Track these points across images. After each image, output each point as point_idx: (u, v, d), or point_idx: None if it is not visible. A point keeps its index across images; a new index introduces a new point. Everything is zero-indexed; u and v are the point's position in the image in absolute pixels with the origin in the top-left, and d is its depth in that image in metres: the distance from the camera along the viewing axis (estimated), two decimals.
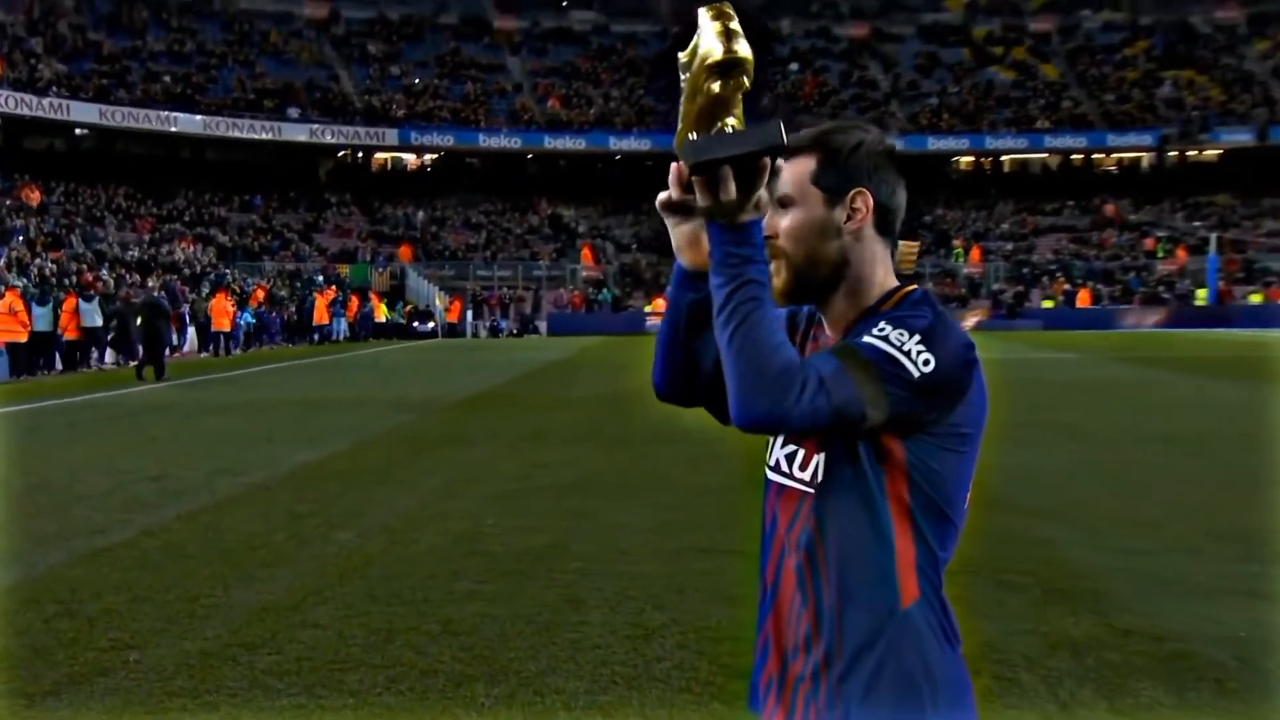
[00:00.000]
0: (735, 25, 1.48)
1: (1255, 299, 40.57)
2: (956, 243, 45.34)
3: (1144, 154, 47.15)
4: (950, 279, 43.31)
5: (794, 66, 50.16)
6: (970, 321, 38.49)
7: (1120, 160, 48.34)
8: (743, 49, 1.46)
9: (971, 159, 47.60)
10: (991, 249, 44.62)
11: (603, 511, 8.28)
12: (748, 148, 1.46)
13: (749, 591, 4.69)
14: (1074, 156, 47.94)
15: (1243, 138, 46.03)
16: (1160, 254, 43.97)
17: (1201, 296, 39.90)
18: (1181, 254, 43.54)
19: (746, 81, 1.48)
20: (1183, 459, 11.53)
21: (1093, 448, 12.25)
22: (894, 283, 1.65)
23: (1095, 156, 48.11)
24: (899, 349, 1.48)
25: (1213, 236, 41.55)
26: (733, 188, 1.48)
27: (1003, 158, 48.33)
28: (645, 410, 15.81)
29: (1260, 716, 4.18)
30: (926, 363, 1.48)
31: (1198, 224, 44.49)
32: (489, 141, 47.41)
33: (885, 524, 1.56)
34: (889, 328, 1.50)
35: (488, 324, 42.61)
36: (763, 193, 1.53)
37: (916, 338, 1.50)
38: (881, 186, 1.61)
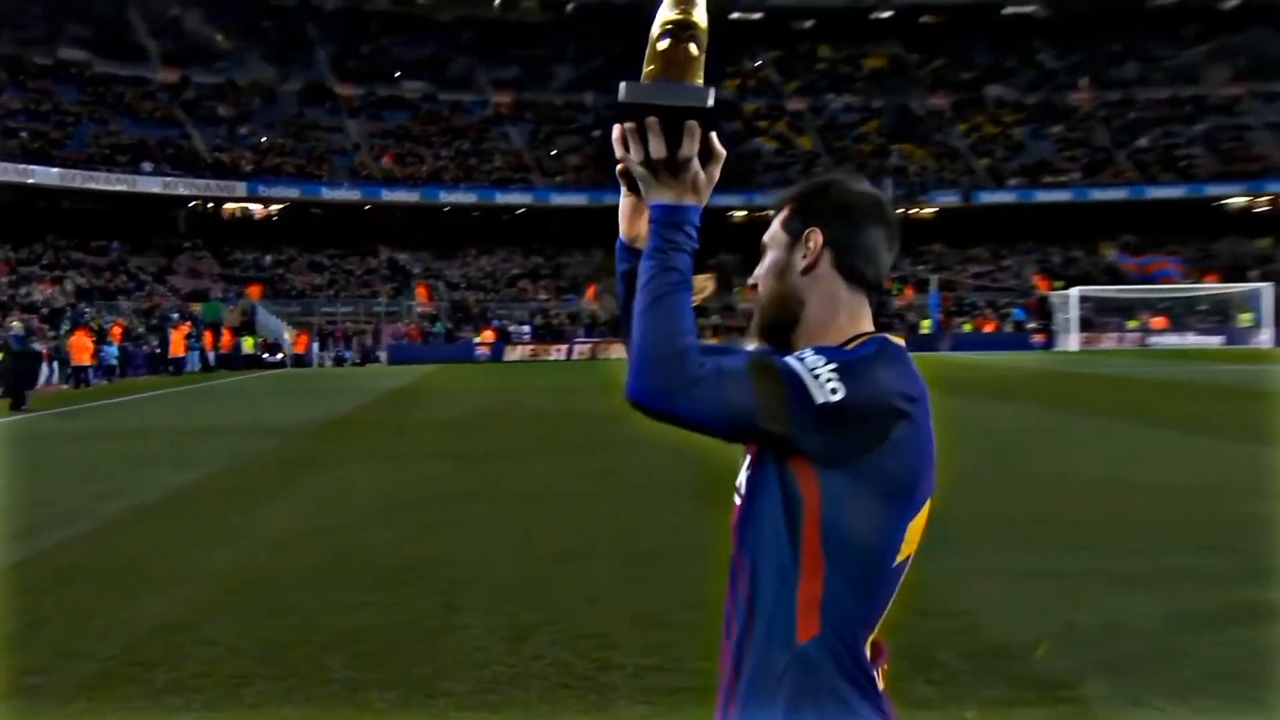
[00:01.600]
0: None
1: (967, 328, 43.79)
2: (740, 285, 47.57)
3: None
4: (730, 311, 43.53)
5: (597, 134, 50.21)
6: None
7: None
8: (695, 14, 1.38)
9: (745, 212, 48.63)
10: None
11: (467, 522, 8.02)
12: (670, 101, 1.35)
13: (612, 591, 5.83)
14: None
15: (951, 199, 49.24)
16: (894, 292, 45.78)
17: (925, 326, 42.50)
18: (909, 292, 46.28)
19: (694, 48, 1.38)
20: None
21: None
22: (862, 329, 1.48)
23: None
24: (809, 371, 1.35)
25: (934, 277, 44.15)
26: (661, 144, 1.37)
27: (769, 212, 50.84)
28: (484, 431, 15.42)
29: None
30: (834, 391, 1.33)
31: (920, 267, 46.96)
32: (331, 194, 46.24)
33: (790, 555, 1.39)
34: (811, 353, 1.38)
35: (332, 355, 41.30)
36: (700, 175, 1.41)
37: (832, 366, 1.36)
38: (840, 227, 1.47)
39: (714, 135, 1.40)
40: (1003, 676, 4.42)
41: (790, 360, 1.37)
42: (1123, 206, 46.86)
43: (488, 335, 42.16)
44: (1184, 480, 9.76)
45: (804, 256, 1.47)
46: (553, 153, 50.12)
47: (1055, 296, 42.97)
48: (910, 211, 48.76)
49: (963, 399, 17.80)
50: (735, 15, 54.40)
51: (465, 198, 47.11)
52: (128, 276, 43.00)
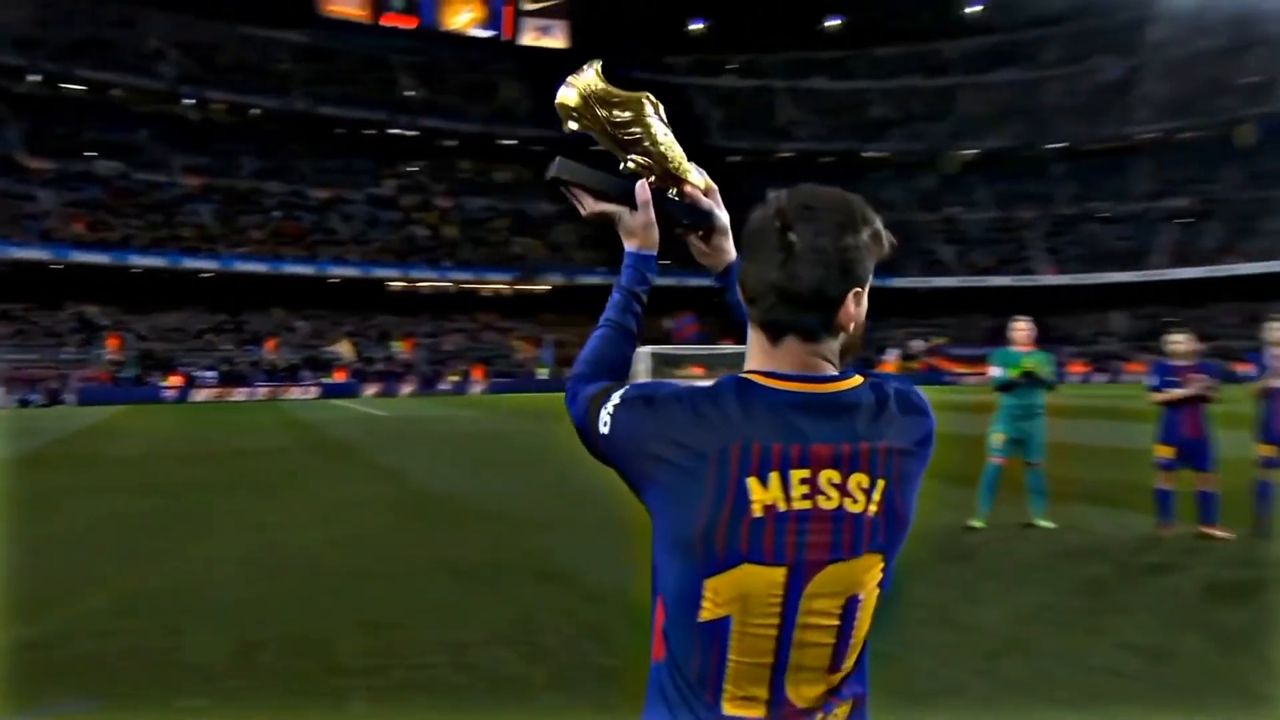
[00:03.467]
0: (572, 80, 1.37)
1: None
2: (397, 338, 49.46)
3: (505, 285, 53.71)
4: (390, 359, 47.34)
5: (277, 214, 51.55)
6: (405, 390, 44.82)
7: (495, 289, 54.28)
8: (559, 95, 1.37)
9: (402, 283, 51.21)
10: (421, 342, 48.52)
11: (182, 548, 7.42)
12: (556, 173, 1.40)
13: (336, 605, 5.49)
14: (465, 284, 53.23)
15: (558, 279, 53.46)
16: (519, 342, 50.55)
17: (543, 372, 46.29)
18: (529, 346, 50.12)
19: (570, 124, 1.38)
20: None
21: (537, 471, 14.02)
22: (748, 367, 1.24)
23: (477, 285, 53.50)
24: (607, 403, 1.26)
25: (548, 336, 48.98)
26: (585, 205, 1.42)
27: (420, 283, 52.18)
28: (179, 463, 14.18)
29: None
30: (604, 425, 1.25)
31: (538, 329, 51.34)
32: (21, 253, 42.99)
33: (653, 577, 1.24)
34: (633, 386, 1.27)
35: (17, 398, 38.37)
36: (632, 224, 1.42)
37: (616, 402, 1.25)
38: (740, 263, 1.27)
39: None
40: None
41: (613, 390, 1.27)
42: (676, 290, 55.31)
43: (175, 379, 40.89)
44: None
45: None
46: (239, 229, 49.79)
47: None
48: (529, 288, 53.47)
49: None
50: (395, 130, 58.67)
51: (156, 261, 45.60)
52: None
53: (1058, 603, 5.42)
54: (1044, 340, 8.23)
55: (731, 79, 64.21)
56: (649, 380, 1.28)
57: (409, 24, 61.65)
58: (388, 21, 60.89)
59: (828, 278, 1.18)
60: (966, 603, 5.48)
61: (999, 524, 7.62)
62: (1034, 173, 56.31)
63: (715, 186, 1.54)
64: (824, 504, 1.17)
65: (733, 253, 1.51)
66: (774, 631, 1.18)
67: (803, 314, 1.19)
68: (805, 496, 1.16)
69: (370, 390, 43.41)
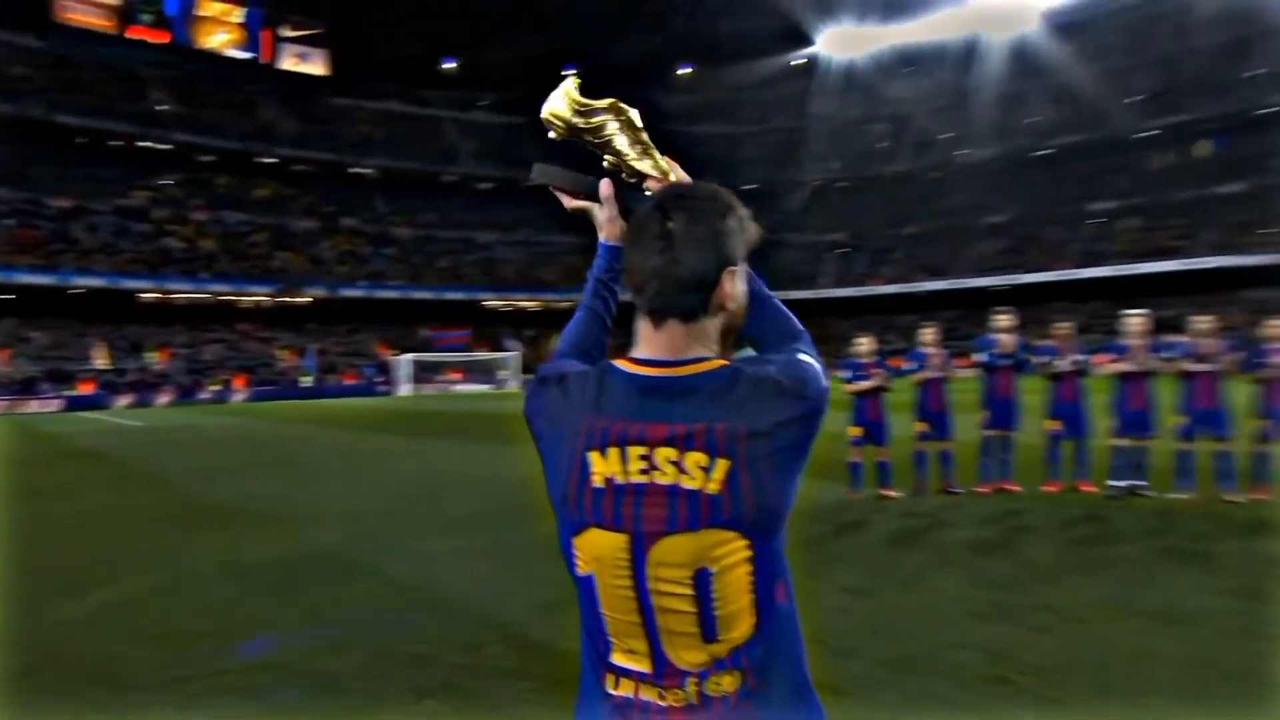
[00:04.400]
0: (557, 93, 1.36)
1: (335, 380, 45.31)
2: (151, 348, 43.55)
3: (266, 297, 49.30)
4: (145, 370, 41.62)
5: (10, 221, 43.80)
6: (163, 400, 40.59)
7: (256, 301, 49.76)
8: (548, 106, 1.37)
9: (156, 294, 45.40)
10: (178, 352, 43.35)
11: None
12: (535, 177, 1.41)
13: (116, 619, 4.59)
14: (224, 296, 48.14)
15: (321, 291, 49.68)
16: (282, 352, 47.10)
17: (306, 379, 43.43)
18: (292, 354, 46.88)
19: (550, 133, 1.38)
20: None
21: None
22: (631, 353, 1.22)
23: (236, 297, 48.68)
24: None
25: (311, 346, 45.93)
26: (566, 202, 1.41)
27: (175, 294, 46.58)
28: (42, 471, 12.64)
29: None
30: (525, 401, 1.26)
31: (302, 338, 47.51)
32: None
33: None
34: None
35: None
36: (600, 217, 1.40)
37: (533, 381, 1.27)
38: None
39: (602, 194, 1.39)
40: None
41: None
42: (433, 302, 52.28)
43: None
44: (496, 473, 10.18)
45: None
46: None
47: (392, 359, 46.28)
48: (290, 300, 49.61)
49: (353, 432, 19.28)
50: (147, 144, 52.01)
51: None
52: None
53: (790, 557, 5.70)
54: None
55: (482, 114, 63.41)
56: (554, 363, 1.29)
57: (160, 38, 54.70)
58: (135, 34, 53.62)
59: (704, 259, 1.17)
60: None
61: None
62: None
63: (676, 175, 1.43)
64: (659, 479, 1.14)
65: None
66: (630, 593, 1.16)
67: (684, 296, 1.17)
68: (642, 471, 1.14)
69: (123, 401, 38.09)
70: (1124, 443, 7.53)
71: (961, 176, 56.22)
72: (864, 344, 8.24)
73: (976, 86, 56.24)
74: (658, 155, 1.40)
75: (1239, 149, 46.37)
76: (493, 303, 54.48)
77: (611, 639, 1.18)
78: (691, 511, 1.13)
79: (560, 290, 53.13)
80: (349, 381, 45.89)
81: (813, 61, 63.81)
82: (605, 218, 1.41)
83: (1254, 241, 40.84)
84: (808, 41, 62.58)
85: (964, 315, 42.45)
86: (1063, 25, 54.76)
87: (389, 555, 6.29)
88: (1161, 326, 8.03)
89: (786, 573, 1.21)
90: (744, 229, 1.22)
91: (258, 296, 49.88)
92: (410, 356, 46.04)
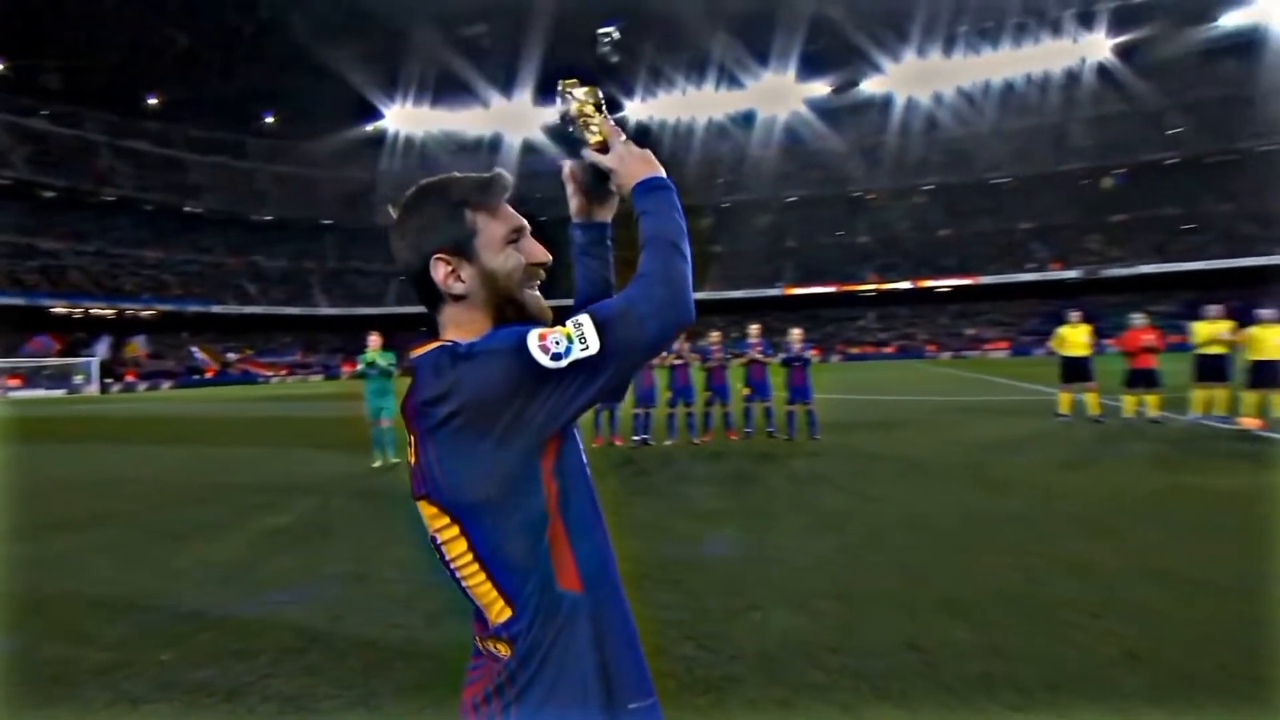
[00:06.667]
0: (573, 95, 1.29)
1: None
2: None
3: None
4: None
5: None
6: None
7: None
8: (565, 97, 1.30)
9: None
10: None
11: None
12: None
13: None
14: None
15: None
16: None
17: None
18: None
19: (563, 105, 1.30)
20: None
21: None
22: None
23: None
24: None
25: None
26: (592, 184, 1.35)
27: None
28: None
29: None
30: None
31: None
32: None
33: None
34: None
35: None
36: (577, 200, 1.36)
37: None
38: None
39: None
40: None
41: None
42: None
43: None
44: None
45: None
46: None
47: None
48: None
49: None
50: None
51: None
52: None
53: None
54: (388, 345, 9.26)
55: (44, 122, 59.10)
56: None
57: None
58: None
59: (406, 252, 1.18)
60: (380, 523, 6.13)
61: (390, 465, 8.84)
62: (312, 238, 67.02)
63: (613, 134, 1.30)
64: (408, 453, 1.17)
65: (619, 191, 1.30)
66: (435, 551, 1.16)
67: (414, 288, 1.18)
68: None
69: None
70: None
71: None
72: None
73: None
74: (595, 127, 1.30)
75: None
76: (61, 309, 52.50)
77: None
78: (413, 483, 1.15)
79: (140, 299, 53.63)
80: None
81: (381, 132, 71.86)
82: (569, 195, 1.35)
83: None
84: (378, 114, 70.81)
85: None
86: None
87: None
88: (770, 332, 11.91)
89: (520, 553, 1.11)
90: (452, 215, 1.17)
91: None
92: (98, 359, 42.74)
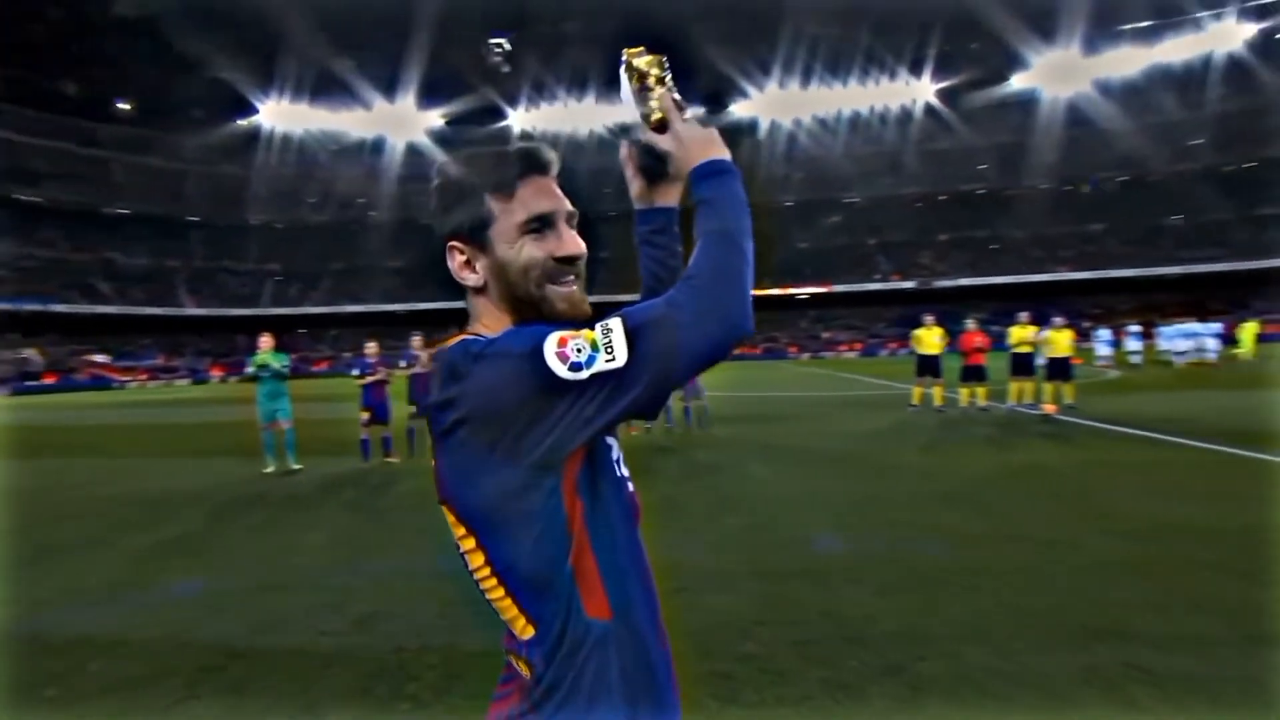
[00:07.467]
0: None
1: None
2: None
3: None
4: None
5: None
6: None
7: None
8: (633, 58, 1.16)
9: None
10: None
11: None
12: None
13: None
14: None
15: None
16: None
17: None
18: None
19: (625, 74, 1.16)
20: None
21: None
22: None
23: None
24: None
25: None
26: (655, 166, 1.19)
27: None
28: None
29: None
30: None
31: None
32: None
33: None
34: None
35: None
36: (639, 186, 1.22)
37: None
38: None
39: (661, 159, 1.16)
40: None
41: None
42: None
43: None
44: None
45: None
46: None
47: None
48: None
49: None
50: None
51: None
52: None
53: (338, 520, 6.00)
54: (280, 347, 9.20)
55: None
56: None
57: None
58: None
59: (432, 239, 1.07)
60: (295, 513, 6.27)
61: (286, 471, 8.64)
62: (177, 235, 62.03)
63: (672, 111, 1.14)
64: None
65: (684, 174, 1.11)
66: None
67: (436, 274, 1.08)
68: None
69: None
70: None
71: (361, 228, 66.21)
72: (371, 348, 9.40)
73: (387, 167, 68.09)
74: (655, 102, 1.15)
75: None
76: None
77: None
78: (437, 487, 1.03)
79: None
80: None
81: (255, 128, 67.70)
82: (628, 179, 1.23)
83: None
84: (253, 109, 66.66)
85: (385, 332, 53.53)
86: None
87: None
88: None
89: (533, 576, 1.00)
90: (468, 199, 1.05)
91: None
92: None
